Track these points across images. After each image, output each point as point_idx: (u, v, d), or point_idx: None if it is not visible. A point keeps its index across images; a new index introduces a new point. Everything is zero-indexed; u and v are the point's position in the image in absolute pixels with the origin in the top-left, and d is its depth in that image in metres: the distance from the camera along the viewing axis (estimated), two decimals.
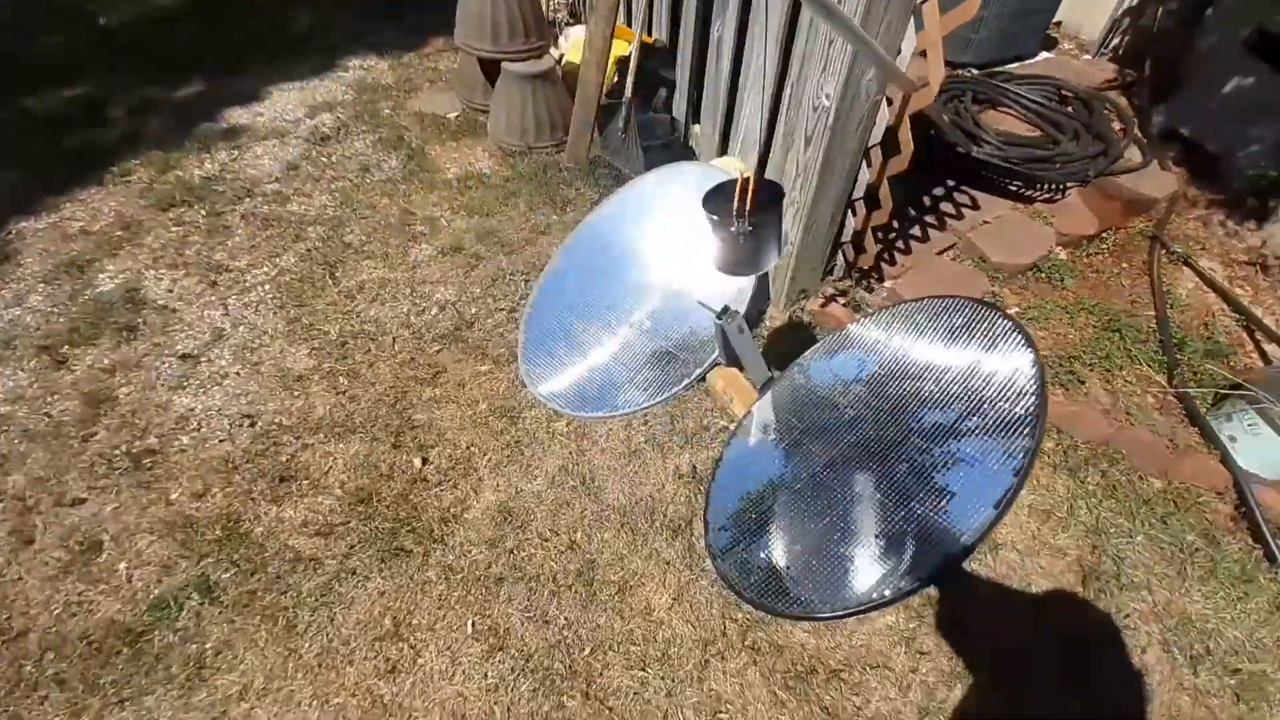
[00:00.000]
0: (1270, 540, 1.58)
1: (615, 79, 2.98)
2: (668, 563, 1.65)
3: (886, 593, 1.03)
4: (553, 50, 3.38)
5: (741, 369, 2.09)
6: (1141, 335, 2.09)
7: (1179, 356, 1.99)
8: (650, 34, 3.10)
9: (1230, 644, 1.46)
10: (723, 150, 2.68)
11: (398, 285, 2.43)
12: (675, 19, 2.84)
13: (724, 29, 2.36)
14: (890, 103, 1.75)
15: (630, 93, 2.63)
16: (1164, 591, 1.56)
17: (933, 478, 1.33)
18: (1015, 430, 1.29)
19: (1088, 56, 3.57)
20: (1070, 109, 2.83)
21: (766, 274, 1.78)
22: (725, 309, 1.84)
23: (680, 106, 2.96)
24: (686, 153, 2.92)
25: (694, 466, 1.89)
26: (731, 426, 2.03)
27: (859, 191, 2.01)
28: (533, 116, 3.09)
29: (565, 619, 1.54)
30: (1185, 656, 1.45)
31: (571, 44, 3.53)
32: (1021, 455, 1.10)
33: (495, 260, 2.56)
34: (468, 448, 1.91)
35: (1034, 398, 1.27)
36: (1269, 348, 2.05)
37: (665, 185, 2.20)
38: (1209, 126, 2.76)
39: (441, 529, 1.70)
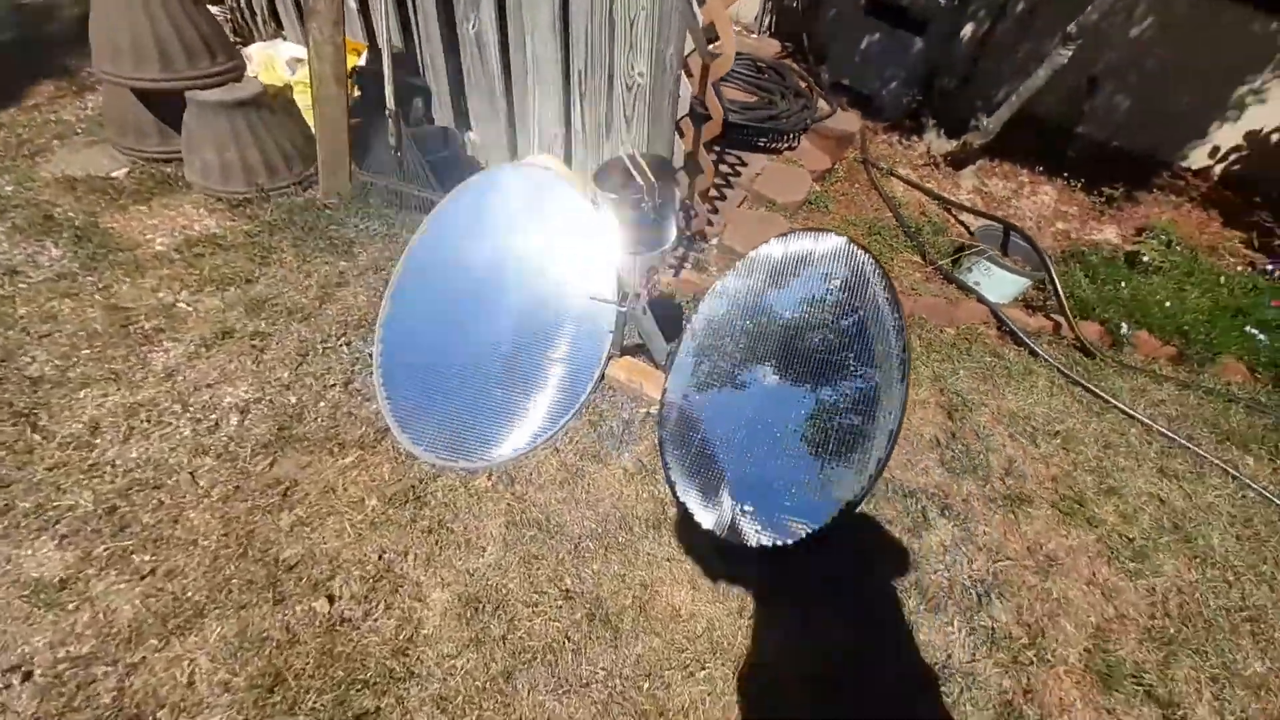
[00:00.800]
0: (1027, 340, 2.25)
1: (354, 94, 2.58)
2: (667, 559, 1.57)
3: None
4: None
5: (634, 353, 2.07)
6: (893, 232, 2.71)
7: (920, 239, 2.65)
8: (371, 40, 2.75)
9: (1043, 418, 2.04)
10: (513, 154, 2.55)
11: (157, 406, 1.74)
12: (403, 21, 2.57)
13: (481, 25, 2.22)
14: (690, 75, 1.88)
15: (394, 104, 2.30)
16: (993, 401, 2.08)
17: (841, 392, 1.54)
18: (887, 318, 1.58)
19: (754, 36, 4.38)
20: (768, 76, 3.44)
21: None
22: (625, 296, 1.78)
23: (444, 115, 2.71)
24: (472, 163, 2.70)
25: (639, 461, 1.81)
26: (652, 410, 2.00)
27: (679, 162, 2.13)
28: (256, 152, 2.50)
29: (603, 669, 1.35)
30: (1026, 437, 1.98)
31: (258, 64, 2.93)
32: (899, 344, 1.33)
33: (289, 333, 2.02)
34: (380, 558, 1.49)
35: (882, 281, 1.54)
36: (964, 216, 2.87)
37: (485, 197, 2.01)
38: (859, 75, 3.65)
39: (403, 662, 1.31)
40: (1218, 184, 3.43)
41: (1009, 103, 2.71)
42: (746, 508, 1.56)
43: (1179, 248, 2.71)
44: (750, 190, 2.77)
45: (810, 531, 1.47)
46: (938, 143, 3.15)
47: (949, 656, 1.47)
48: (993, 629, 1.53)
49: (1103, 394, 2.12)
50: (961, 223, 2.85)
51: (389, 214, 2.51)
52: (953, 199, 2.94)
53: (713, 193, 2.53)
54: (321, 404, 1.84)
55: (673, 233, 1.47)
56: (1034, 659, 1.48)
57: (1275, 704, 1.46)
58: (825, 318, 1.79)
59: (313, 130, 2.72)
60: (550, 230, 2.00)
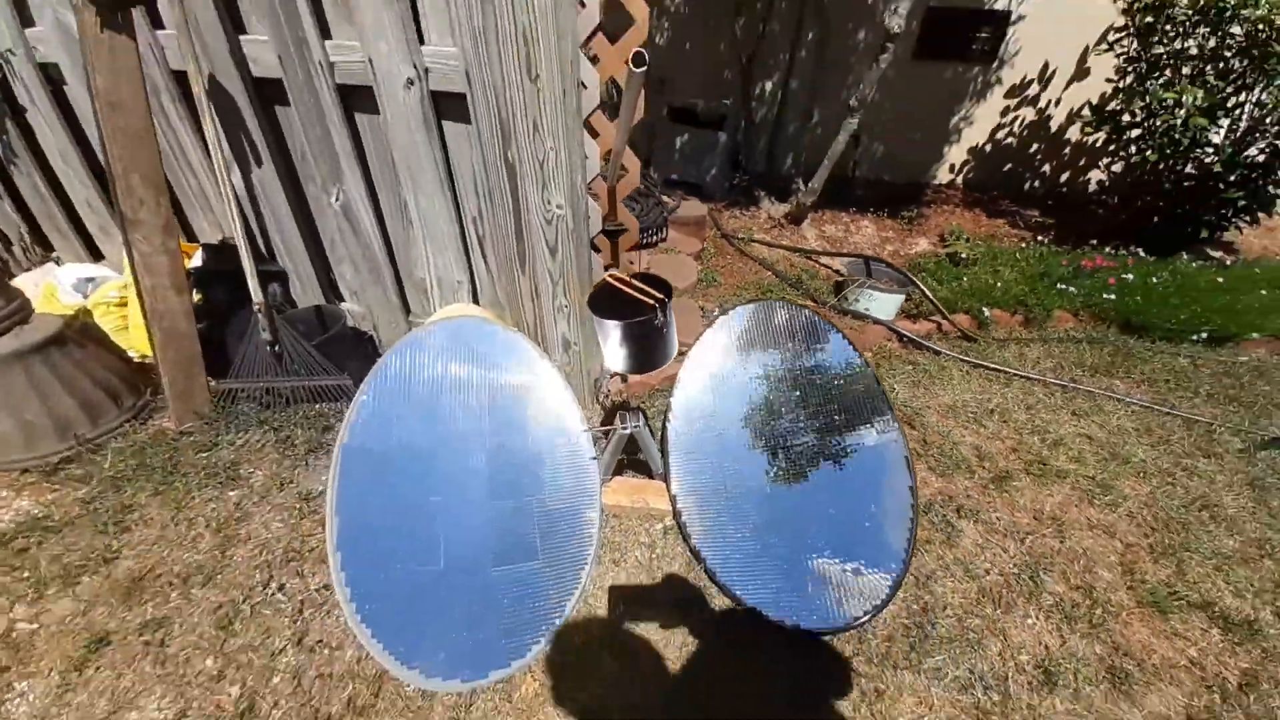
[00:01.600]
0: (926, 344, 2.58)
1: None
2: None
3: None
4: None
5: (618, 472, 1.94)
6: (780, 287, 3.00)
7: (804, 286, 2.97)
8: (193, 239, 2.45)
9: (975, 403, 2.31)
10: (407, 314, 2.38)
11: None
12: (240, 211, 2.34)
13: (348, 198, 2.10)
14: (598, 197, 1.96)
15: (260, 297, 2.02)
16: (932, 401, 2.32)
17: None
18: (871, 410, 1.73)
19: None
20: None
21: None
22: (628, 415, 1.67)
23: (309, 294, 2.46)
24: (362, 338, 2.45)
25: (686, 588, 1.65)
26: (667, 522, 1.86)
27: (596, 277, 2.15)
28: (69, 399, 2.01)
29: None
30: (974, 422, 2.21)
31: (36, 297, 2.44)
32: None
33: (194, 606, 1.55)
34: None
35: (867, 371, 1.68)
36: (823, 260, 3.30)
37: (411, 362, 1.82)
38: (683, 170, 4.15)
39: None
40: (964, 189, 4.45)
41: (823, 164, 3.27)
42: (831, 590, 1.50)
43: (975, 242, 3.41)
44: None
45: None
46: (774, 208, 3.66)
47: (1046, 647, 1.50)
48: (1059, 603, 1.60)
49: (1001, 368, 2.49)
50: (825, 265, 3.27)
51: (273, 417, 2.13)
52: (809, 249, 3.39)
53: None
54: (276, 680, 1.40)
55: (676, 343, 1.44)
56: (1103, 615, 1.57)
57: (1263, 568, 1.72)
58: (795, 379, 1.88)
59: (130, 354, 2.28)
60: (495, 376, 1.86)
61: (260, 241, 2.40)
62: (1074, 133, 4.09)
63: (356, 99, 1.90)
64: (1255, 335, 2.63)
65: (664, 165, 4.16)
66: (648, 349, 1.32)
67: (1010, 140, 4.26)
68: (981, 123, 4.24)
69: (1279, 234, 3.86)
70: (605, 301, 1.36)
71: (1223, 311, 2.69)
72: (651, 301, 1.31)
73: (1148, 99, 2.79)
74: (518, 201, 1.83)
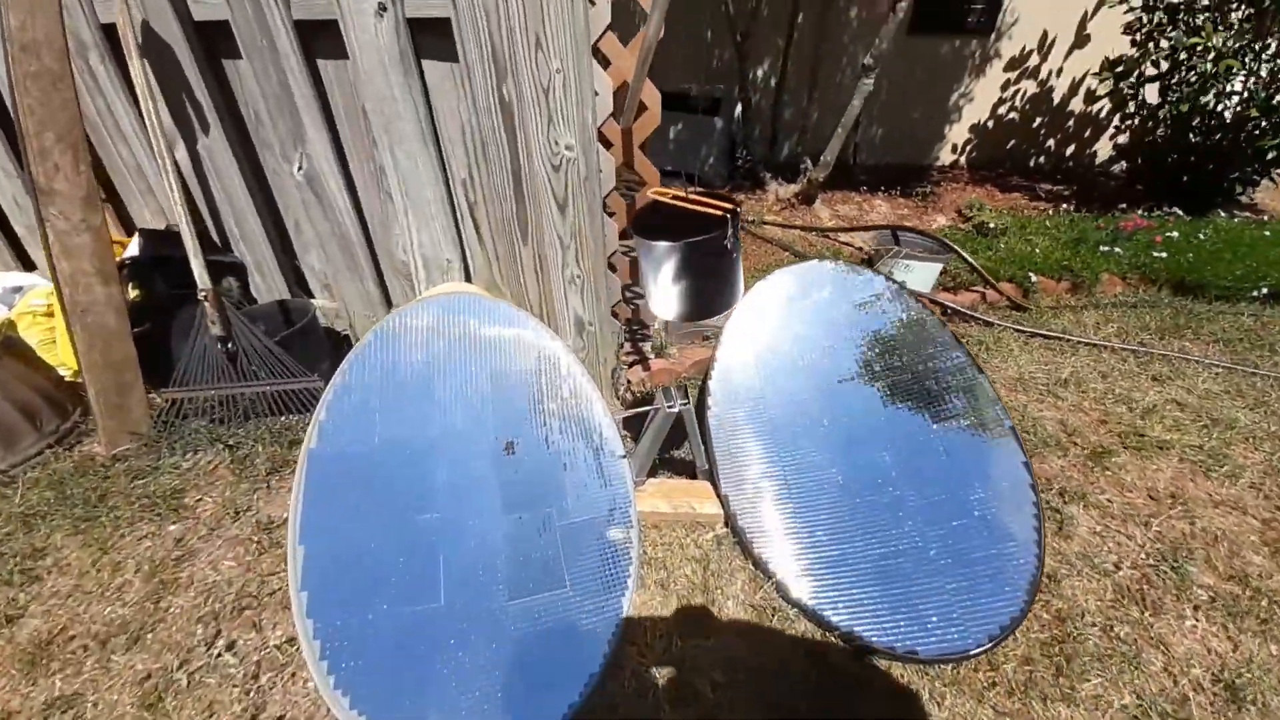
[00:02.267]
0: (977, 316, 2.32)
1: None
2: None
3: None
4: None
5: (655, 461, 1.60)
6: None
7: None
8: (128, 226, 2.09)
9: (1044, 375, 2.05)
10: (388, 306, 2.04)
11: None
12: (185, 188, 1.99)
13: (313, 165, 1.78)
14: (610, 145, 1.66)
15: (209, 281, 1.67)
16: (997, 375, 2.04)
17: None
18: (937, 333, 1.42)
19: None
20: None
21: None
22: (671, 392, 1.34)
23: (273, 287, 2.10)
24: (335, 335, 2.10)
25: (757, 610, 1.31)
26: (718, 529, 1.52)
27: (613, 244, 1.85)
28: None
29: None
30: (1049, 395, 1.94)
31: None
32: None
33: (114, 677, 1.18)
34: None
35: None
36: (843, 237, 3.05)
37: (397, 345, 1.48)
38: (679, 159, 3.90)
39: None
40: (969, 169, 4.29)
41: (835, 134, 3.05)
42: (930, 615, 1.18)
43: (998, 213, 3.20)
44: None
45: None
46: (782, 189, 3.42)
47: (1217, 655, 1.19)
48: (1215, 598, 1.30)
49: (1062, 335, 2.24)
50: (845, 244, 3.02)
51: (229, 432, 1.76)
52: (826, 227, 3.14)
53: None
54: None
55: (742, 279, 1.13)
56: (1270, 608, 1.28)
57: None
58: (859, 348, 1.59)
59: (61, 370, 1.90)
60: (499, 361, 1.53)
61: (212, 227, 2.04)
62: (1077, 104, 3.96)
63: (320, 41, 1.59)
64: None
65: (657, 156, 3.90)
66: (713, 281, 1.01)
67: (1013, 115, 4.12)
68: (982, 99, 4.10)
69: None
70: (651, 228, 1.05)
71: (1279, 265, 2.50)
72: (719, 212, 1.00)
73: (1172, 46, 2.64)
74: (516, 150, 1.53)
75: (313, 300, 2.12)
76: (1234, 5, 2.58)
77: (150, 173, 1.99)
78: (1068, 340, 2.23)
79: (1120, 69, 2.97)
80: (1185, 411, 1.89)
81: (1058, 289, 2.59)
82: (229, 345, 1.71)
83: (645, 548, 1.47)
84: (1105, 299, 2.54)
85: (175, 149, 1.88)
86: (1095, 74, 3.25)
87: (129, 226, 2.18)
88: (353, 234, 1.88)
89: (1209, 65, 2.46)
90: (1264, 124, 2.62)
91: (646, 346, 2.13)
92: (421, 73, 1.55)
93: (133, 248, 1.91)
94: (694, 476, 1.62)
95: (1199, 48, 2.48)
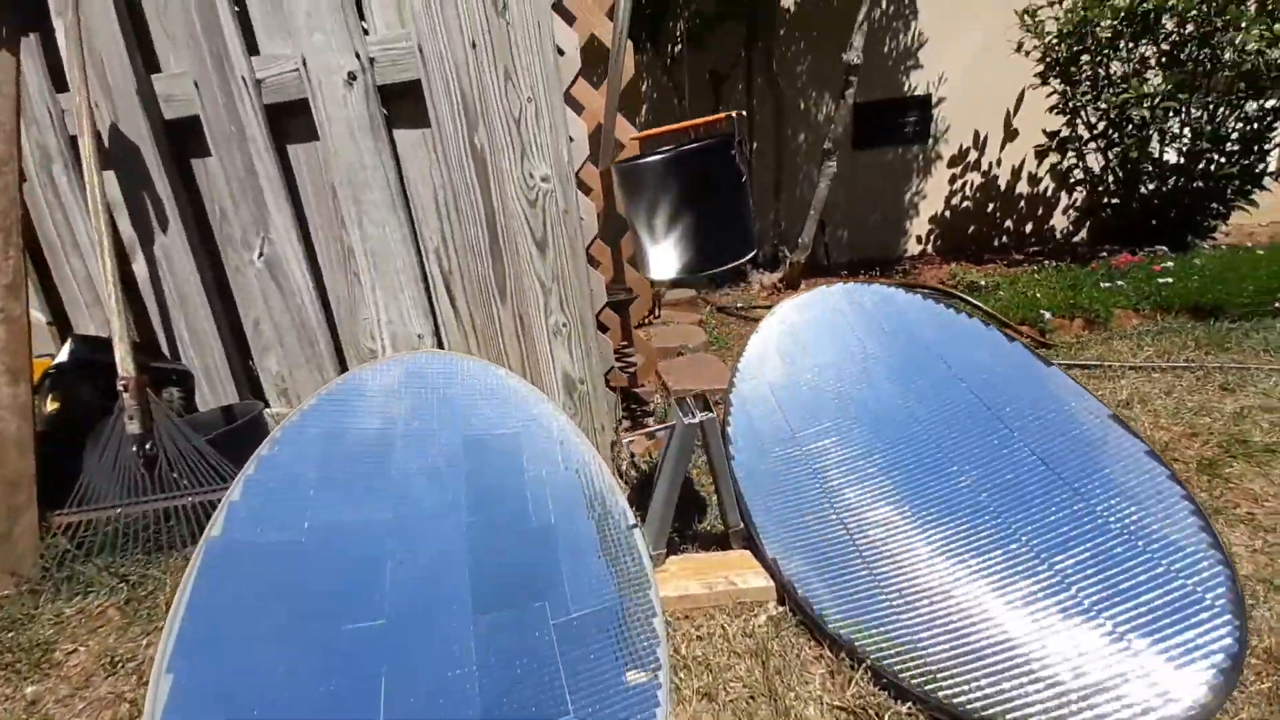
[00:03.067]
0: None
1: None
2: None
3: None
4: None
5: (672, 534, 1.24)
6: None
7: None
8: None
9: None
10: (343, 366, 1.80)
11: None
12: (127, 283, 1.84)
13: (276, 249, 1.67)
14: (589, 191, 1.60)
15: (130, 369, 1.44)
16: None
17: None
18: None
19: None
20: None
21: None
22: (689, 410, 1.05)
23: (222, 394, 1.87)
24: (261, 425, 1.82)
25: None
26: (771, 610, 1.13)
27: (600, 297, 1.69)
28: None
29: None
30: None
31: None
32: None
33: None
34: None
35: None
36: None
37: (345, 410, 1.23)
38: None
39: None
40: (938, 255, 4.44)
41: (809, 217, 3.13)
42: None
43: (985, 274, 3.19)
44: (656, 349, 2.43)
45: None
46: (765, 277, 3.44)
47: None
48: None
49: (1100, 363, 2.04)
50: None
51: (130, 562, 1.40)
52: None
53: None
54: None
55: (754, 224, 0.93)
56: None
57: None
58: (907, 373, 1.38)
59: None
60: (473, 427, 1.28)
61: (162, 335, 1.87)
62: (1024, 186, 4.26)
63: (289, 125, 1.58)
64: None
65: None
66: (719, 216, 0.81)
67: (967, 204, 4.39)
68: (934, 195, 4.40)
69: (1247, 226, 3.84)
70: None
71: None
72: (718, 123, 0.84)
73: (1104, 106, 2.87)
74: (489, 196, 1.44)
75: (266, 410, 1.87)
76: (1153, 68, 2.79)
77: (99, 282, 1.87)
78: (1108, 367, 2.03)
79: (1055, 143, 3.22)
80: (1276, 414, 1.63)
81: (1073, 327, 2.46)
82: (148, 447, 1.42)
83: (677, 644, 1.08)
84: (1126, 330, 2.40)
85: (134, 257, 1.78)
86: (1036, 156, 3.53)
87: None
88: (314, 320, 1.72)
89: (1145, 111, 2.65)
90: (1216, 156, 2.75)
91: (650, 421, 1.88)
92: (392, 139, 1.52)
93: (63, 353, 1.71)
94: (725, 544, 1.28)
95: (1131, 99, 2.69)
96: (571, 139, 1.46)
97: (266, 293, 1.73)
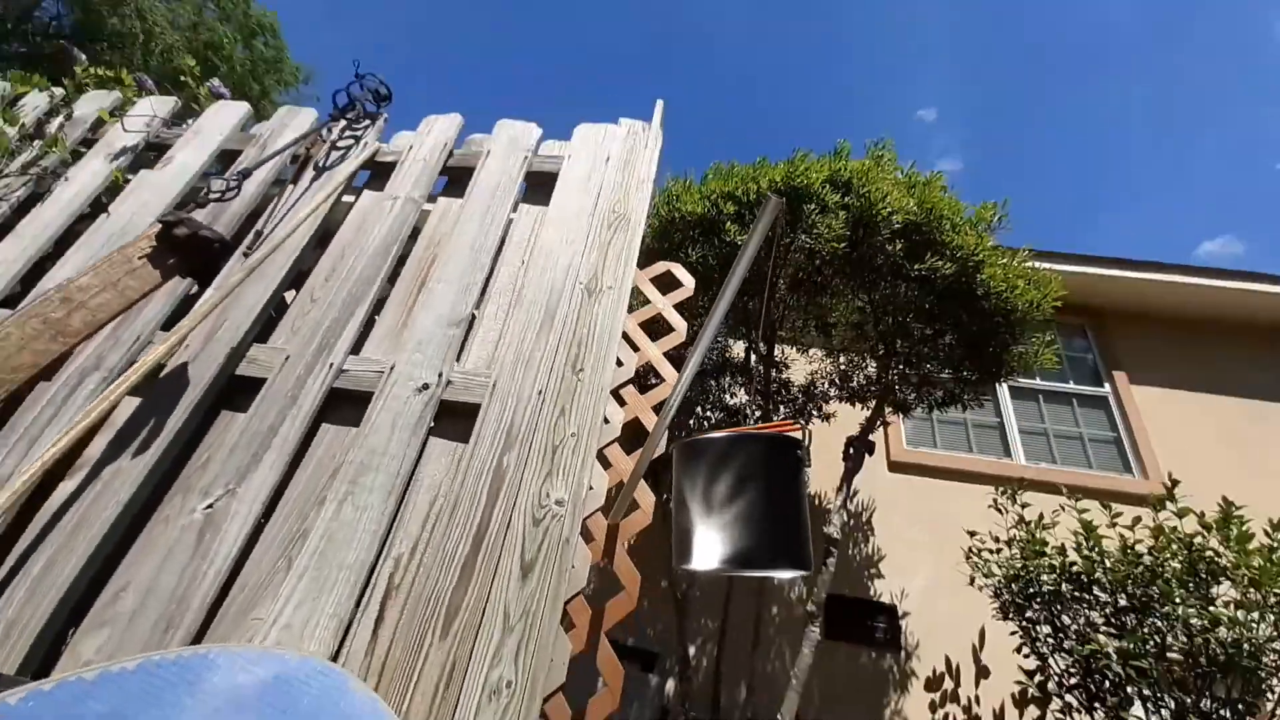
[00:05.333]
0: None
1: None
2: None
3: None
4: None
5: None
6: None
7: None
8: None
9: None
10: None
11: None
12: None
13: (236, 501, 1.51)
14: (590, 540, 1.50)
15: None
16: None
17: None
18: None
19: None
20: None
21: None
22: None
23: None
24: None
25: None
26: None
27: (559, 673, 1.34)
28: None
29: None
30: None
31: None
32: None
33: None
34: None
35: None
36: None
37: None
38: None
39: None
40: None
41: (791, 687, 2.71)
42: None
43: None
44: None
45: None
46: None
47: None
48: None
49: None
50: None
51: None
52: None
53: None
54: None
55: (810, 541, 0.74)
56: None
57: None
58: None
59: None
60: None
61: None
62: None
63: (337, 407, 1.70)
64: None
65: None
66: (779, 513, 0.68)
67: None
68: (915, 716, 3.92)
69: None
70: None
71: None
72: (790, 425, 0.81)
73: (1072, 658, 2.85)
74: (492, 510, 1.40)
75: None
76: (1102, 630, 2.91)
77: None
78: None
79: (1035, 690, 3.08)
80: None
81: None
82: None
83: None
84: None
85: (73, 476, 1.60)
86: (1015, 705, 3.32)
87: None
88: (201, 596, 1.36)
89: (1119, 668, 2.61)
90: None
91: None
92: (425, 441, 1.59)
93: None
94: None
95: (1099, 652, 2.70)
96: (591, 487, 1.51)
97: (175, 549, 1.45)
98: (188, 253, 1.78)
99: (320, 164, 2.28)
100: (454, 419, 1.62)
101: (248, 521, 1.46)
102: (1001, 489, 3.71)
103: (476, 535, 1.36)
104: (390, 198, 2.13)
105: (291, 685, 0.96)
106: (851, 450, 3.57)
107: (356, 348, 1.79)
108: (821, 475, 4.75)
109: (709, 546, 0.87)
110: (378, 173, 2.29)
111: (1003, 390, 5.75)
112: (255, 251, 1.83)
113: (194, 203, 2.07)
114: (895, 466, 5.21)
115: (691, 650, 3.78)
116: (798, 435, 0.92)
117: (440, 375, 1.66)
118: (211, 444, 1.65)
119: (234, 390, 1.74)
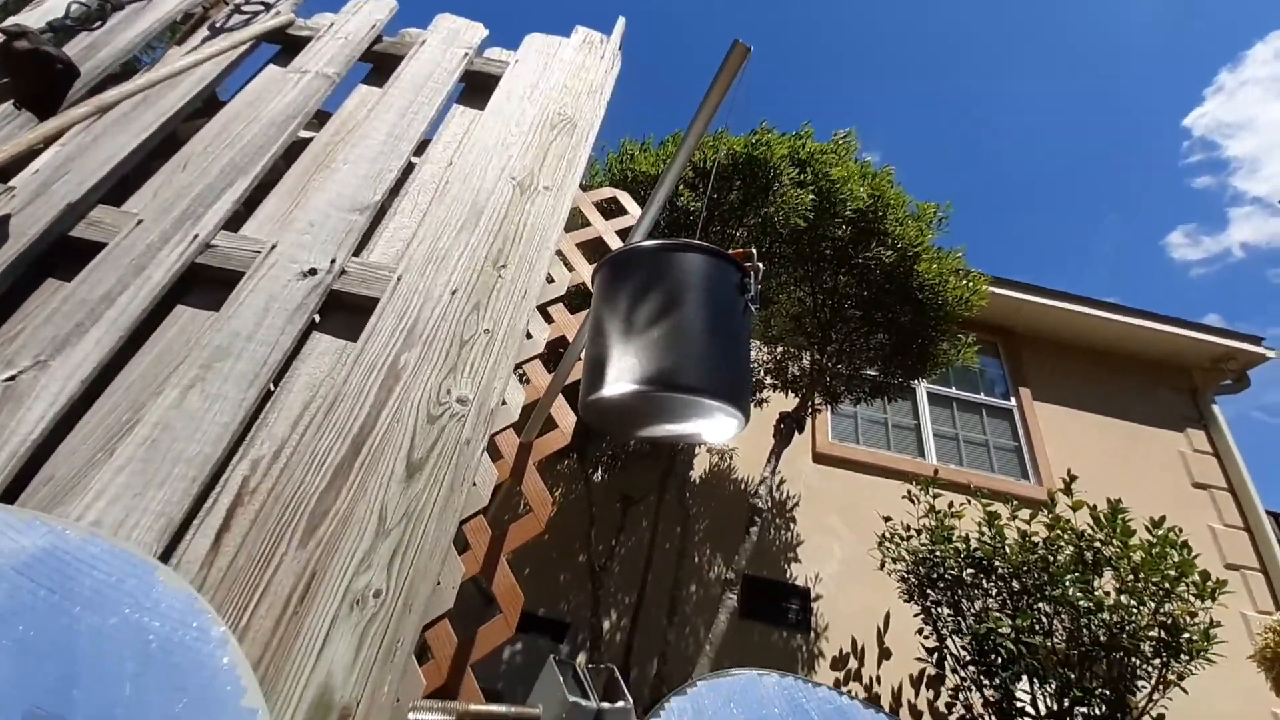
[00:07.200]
0: None
1: None
2: None
3: None
4: None
5: None
6: None
7: None
8: None
9: None
10: None
11: None
12: None
13: (48, 374, 1.20)
14: (499, 456, 1.31)
15: None
16: None
17: None
18: None
19: None
20: None
21: None
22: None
23: None
24: None
25: None
26: None
27: (447, 599, 1.14)
28: None
29: None
30: None
31: None
32: None
33: None
34: None
35: None
36: None
37: None
38: (509, 685, 3.03)
39: None
40: None
41: (704, 653, 2.62)
42: None
43: None
44: None
45: None
46: None
47: None
48: None
49: None
50: None
51: None
52: None
53: None
54: None
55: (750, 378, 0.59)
56: None
57: None
58: None
59: None
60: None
61: None
62: (905, 715, 3.91)
63: (193, 288, 1.40)
64: None
65: (486, 678, 3.02)
66: (721, 338, 0.53)
67: None
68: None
69: None
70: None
71: None
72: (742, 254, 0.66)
73: (969, 637, 2.95)
74: (380, 407, 1.18)
75: None
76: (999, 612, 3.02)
77: None
78: None
79: (930, 672, 3.17)
80: None
81: None
82: None
83: None
84: None
85: None
86: (912, 685, 3.42)
87: None
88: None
89: (1010, 645, 2.72)
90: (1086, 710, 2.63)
91: None
92: (305, 332, 1.34)
93: None
94: None
95: (993, 630, 2.80)
96: (505, 402, 1.32)
97: None
98: (28, 74, 1.43)
99: (218, 25, 1.94)
100: (345, 314, 1.38)
101: (58, 401, 1.16)
102: (916, 482, 3.82)
103: (358, 436, 1.14)
104: (298, 71, 1.84)
105: (67, 563, 0.72)
106: (783, 426, 3.55)
107: (234, 225, 1.50)
108: (751, 457, 4.75)
109: (626, 367, 0.69)
110: (288, 47, 1.98)
111: (921, 394, 6.00)
112: (110, 90, 1.49)
113: (51, 32, 1.69)
114: (819, 458, 5.30)
115: (606, 625, 3.64)
116: (748, 264, 0.78)
117: (334, 262, 1.42)
118: (29, 312, 1.31)
119: (68, 254, 1.41)
